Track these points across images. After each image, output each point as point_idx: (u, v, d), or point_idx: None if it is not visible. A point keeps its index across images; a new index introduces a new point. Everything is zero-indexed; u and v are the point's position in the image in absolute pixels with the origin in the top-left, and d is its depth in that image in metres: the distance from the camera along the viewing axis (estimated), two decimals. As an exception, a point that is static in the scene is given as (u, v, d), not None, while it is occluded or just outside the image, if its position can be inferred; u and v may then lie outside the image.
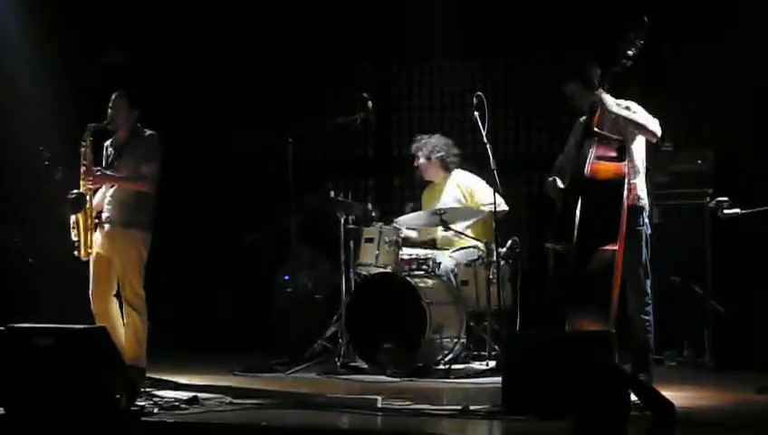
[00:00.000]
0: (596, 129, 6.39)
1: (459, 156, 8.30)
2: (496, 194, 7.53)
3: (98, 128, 6.99)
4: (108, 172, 6.99)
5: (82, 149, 6.92)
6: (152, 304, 7.15)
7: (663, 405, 5.10)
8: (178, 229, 9.54)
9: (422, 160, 8.27)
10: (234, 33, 9.97)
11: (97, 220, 6.97)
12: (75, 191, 6.86)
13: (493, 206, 7.52)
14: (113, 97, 7.07)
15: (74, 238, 6.87)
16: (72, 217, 6.86)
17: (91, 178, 6.91)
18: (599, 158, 6.29)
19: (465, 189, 8.19)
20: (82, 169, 6.91)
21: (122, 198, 7.00)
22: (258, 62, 10.08)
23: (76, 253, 6.88)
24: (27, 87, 9.11)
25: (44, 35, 9.08)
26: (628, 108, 6.46)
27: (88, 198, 6.88)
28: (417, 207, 8.37)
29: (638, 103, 6.53)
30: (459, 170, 8.29)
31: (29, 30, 9.11)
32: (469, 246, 8.03)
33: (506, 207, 7.92)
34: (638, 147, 6.48)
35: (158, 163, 7.04)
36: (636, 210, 6.40)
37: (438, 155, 8.20)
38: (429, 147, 8.23)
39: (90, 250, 6.89)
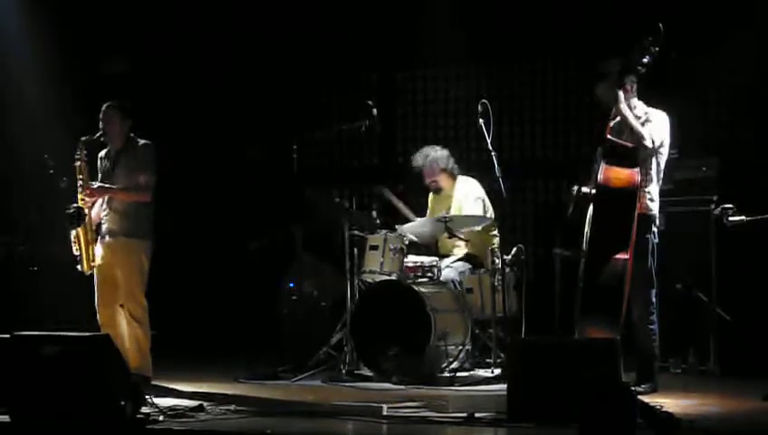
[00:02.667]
0: (609, 136, 6.42)
1: (458, 164, 8.27)
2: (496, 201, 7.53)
3: (89, 141, 7.00)
4: (105, 185, 7.01)
5: (77, 164, 6.94)
6: (157, 311, 7.16)
7: (666, 421, 5.07)
8: (184, 236, 9.56)
9: (442, 176, 8.25)
10: (238, 40, 9.98)
11: (96, 232, 7.00)
12: (73, 206, 6.88)
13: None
14: (104, 108, 7.07)
15: (75, 253, 6.90)
16: (73, 232, 6.88)
17: (88, 192, 6.93)
18: (610, 164, 6.31)
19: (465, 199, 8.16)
20: (79, 183, 6.93)
21: (120, 208, 7.02)
22: (263, 69, 10.09)
23: (79, 267, 6.91)
24: (31, 92, 9.13)
25: (46, 37, 9.10)
26: (647, 116, 6.49)
27: (86, 211, 6.90)
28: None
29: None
30: (464, 178, 8.27)
31: (30, 32, 9.13)
32: (464, 258, 8.04)
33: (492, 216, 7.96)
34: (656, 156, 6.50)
35: (154, 172, 7.05)
36: (645, 219, 6.40)
37: (441, 166, 8.19)
38: (431, 158, 8.21)
39: (93, 263, 6.92)
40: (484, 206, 8.11)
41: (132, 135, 7.12)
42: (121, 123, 7.07)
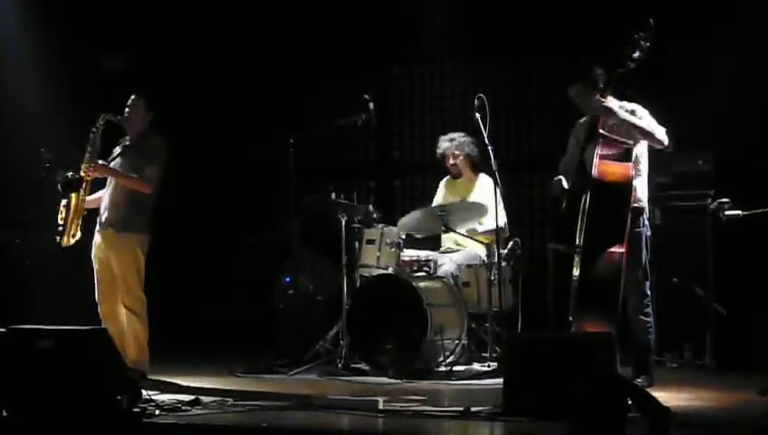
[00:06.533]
0: (602, 130, 6.42)
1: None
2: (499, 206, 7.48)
3: (111, 120, 7.06)
4: (109, 166, 7.05)
5: (91, 135, 6.98)
6: (154, 305, 7.17)
7: (659, 411, 5.08)
8: (181, 231, 9.55)
9: (461, 158, 8.18)
10: (236, 36, 9.98)
11: (83, 214, 7.01)
12: (72, 174, 6.89)
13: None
14: (132, 98, 7.18)
15: (60, 222, 6.89)
16: (64, 200, 6.89)
17: (92, 167, 6.95)
18: (604, 158, 6.33)
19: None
20: (86, 154, 6.96)
21: (120, 200, 7.05)
22: (259, 65, 10.08)
23: (58, 238, 6.91)
24: (27, 88, 9.12)
25: (44, 33, 9.09)
26: (633, 111, 6.50)
27: (85, 183, 6.93)
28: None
29: (643, 106, 6.57)
30: (486, 177, 8.09)
31: (28, 28, 9.12)
32: (471, 249, 8.01)
33: (507, 232, 7.84)
34: (642, 150, 6.52)
35: (161, 167, 7.09)
36: (636, 212, 6.43)
37: (474, 154, 8.13)
38: (457, 142, 8.15)
39: (72, 238, 6.93)
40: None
41: (149, 129, 7.20)
42: (144, 114, 7.20)
